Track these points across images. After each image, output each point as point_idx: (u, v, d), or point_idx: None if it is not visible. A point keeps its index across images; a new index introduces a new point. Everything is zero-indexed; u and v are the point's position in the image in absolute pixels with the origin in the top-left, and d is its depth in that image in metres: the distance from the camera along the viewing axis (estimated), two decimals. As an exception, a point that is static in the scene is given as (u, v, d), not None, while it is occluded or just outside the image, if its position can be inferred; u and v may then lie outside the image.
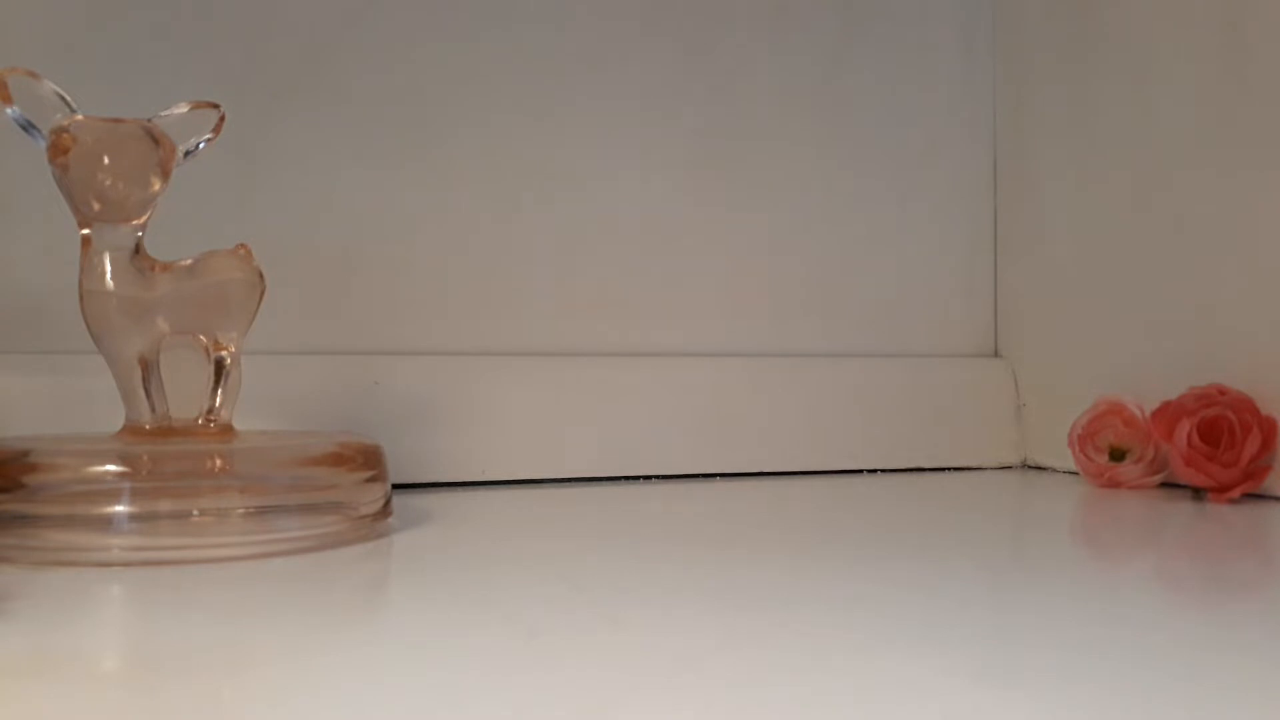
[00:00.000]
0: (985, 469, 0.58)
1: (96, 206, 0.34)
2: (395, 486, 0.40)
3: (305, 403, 0.47)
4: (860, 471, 0.55)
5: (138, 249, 0.35)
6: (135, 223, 0.35)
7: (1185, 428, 0.45)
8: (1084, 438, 0.50)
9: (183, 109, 0.36)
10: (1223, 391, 0.45)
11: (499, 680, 0.20)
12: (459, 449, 0.49)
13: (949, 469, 0.57)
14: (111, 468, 0.31)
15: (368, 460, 0.35)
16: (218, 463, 0.33)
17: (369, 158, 0.51)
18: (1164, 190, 0.50)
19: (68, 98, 0.34)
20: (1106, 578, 0.31)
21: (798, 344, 0.57)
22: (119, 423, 0.36)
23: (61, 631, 0.24)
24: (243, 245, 0.37)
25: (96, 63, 0.47)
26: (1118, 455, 0.49)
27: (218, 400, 0.36)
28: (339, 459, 0.35)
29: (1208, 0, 0.48)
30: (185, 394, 0.36)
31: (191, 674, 0.21)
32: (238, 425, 0.38)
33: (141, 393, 0.35)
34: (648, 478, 0.52)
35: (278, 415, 0.45)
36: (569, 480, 0.51)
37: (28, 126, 0.34)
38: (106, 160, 0.34)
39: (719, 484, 0.50)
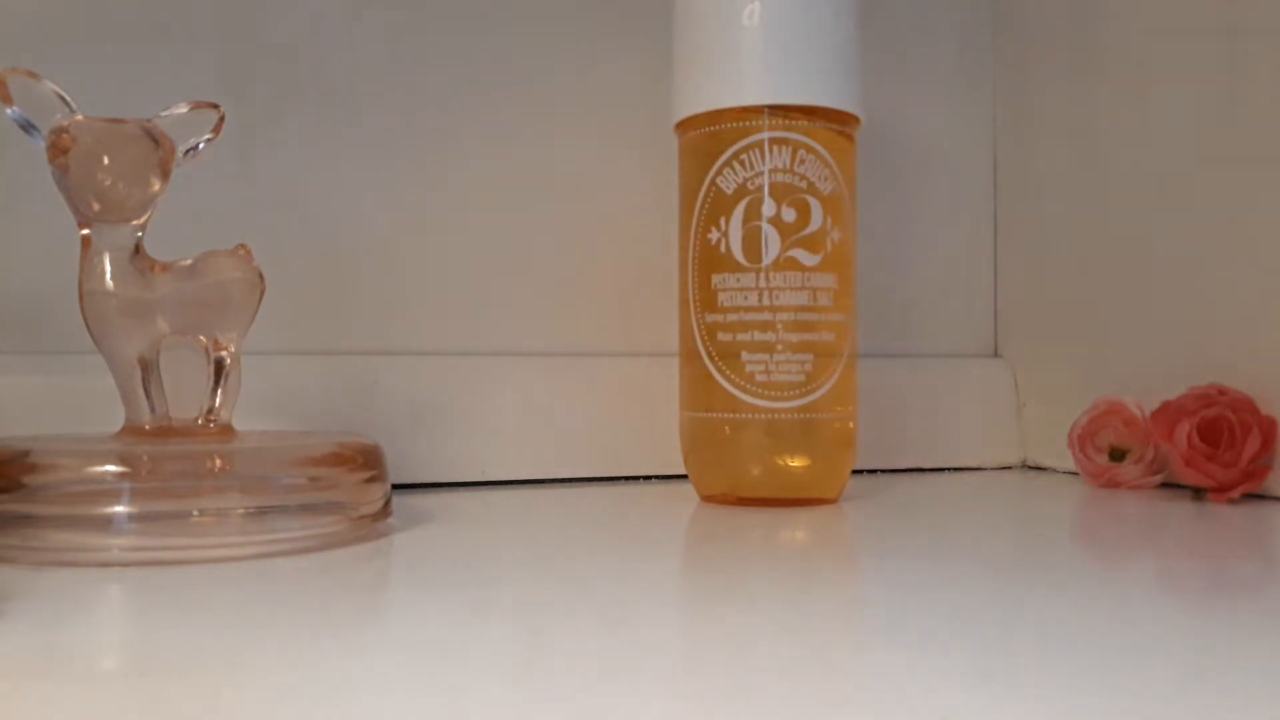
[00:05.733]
0: (985, 469, 0.58)
1: (96, 207, 0.34)
2: (395, 486, 0.40)
3: (305, 403, 0.47)
4: (860, 471, 0.55)
5: (138, 249, 0.35)
6: (135, 223, 0.35)
7: (1185, 428, 0.45)
8: (1084, 438, 0.50)
9: (183, 109, 0.36)
10: (1223, 391, 0.45)
11: (500, 680, 0.20)
12: (459, 449, 0.49)
13: (949, 469, 0.57)
14: (111, 468, 0.31)
15: (368, 460, 0.35)
16: (218, 463, 0.33)
17: (368, 158, 0.51)
18: (1164, 191, 0.50)
19: (68, 98, 0.34)
20: (1106, 578, 0.31)
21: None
22: (119, 423, 0.36)
23: (61, 631, 0.24)
24: (243, 245, 0.37)
25: (96, 63, 0.47)
26: (1118, 455, 0.49)
27: (217, 400, 0.36)
28: (339, 459, 0.35)
29: (1209, 2, 0.48)
30: (185, 394, 0.36)
31: (191, 674, 0.21)
32: (238, 425, 0.38)
33: (141, 393, 0.35)
34: (648, 478, 0.52)
35: (278, 415, 0.45)
36: (569, 480, 0.51)
37: (28, 126, 0.34)
38: (106, 160, 0.34)
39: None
